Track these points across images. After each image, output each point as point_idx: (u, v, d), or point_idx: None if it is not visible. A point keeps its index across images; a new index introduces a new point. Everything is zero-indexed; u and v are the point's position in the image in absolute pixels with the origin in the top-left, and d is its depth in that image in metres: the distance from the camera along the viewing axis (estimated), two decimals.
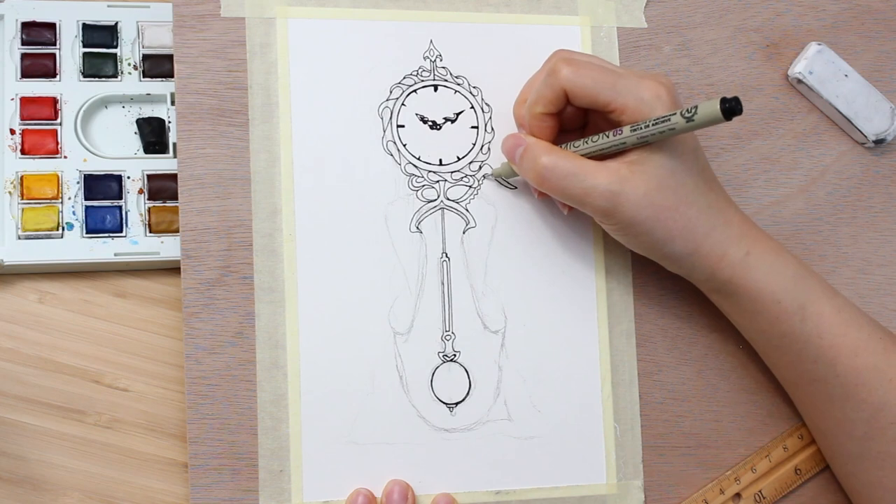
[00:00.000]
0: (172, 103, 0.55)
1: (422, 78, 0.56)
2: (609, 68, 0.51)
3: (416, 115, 0.55)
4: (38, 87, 0.54)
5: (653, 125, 0.49)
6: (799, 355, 0.52)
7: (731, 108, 0.46)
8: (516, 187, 0.56)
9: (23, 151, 0.53)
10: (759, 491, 0.56)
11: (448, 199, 0.55)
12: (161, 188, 0.54)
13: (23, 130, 0.54)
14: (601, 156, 0.51)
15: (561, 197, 0.51)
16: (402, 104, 0.55)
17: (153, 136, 0.55)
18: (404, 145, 0.55)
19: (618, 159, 0.50)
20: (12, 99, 0.54)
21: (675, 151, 0.50)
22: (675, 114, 0.48)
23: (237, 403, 0.51)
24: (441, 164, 0.55)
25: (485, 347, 0.54)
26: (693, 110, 0.47)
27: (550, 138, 0.52)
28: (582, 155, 0.51)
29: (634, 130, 0.49)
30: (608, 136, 0.50)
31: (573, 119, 0.54)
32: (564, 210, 0.55)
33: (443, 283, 0.54)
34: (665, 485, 0.56)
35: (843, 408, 0.52)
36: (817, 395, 0.53)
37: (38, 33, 0.55)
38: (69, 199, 0.53)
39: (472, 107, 0.56)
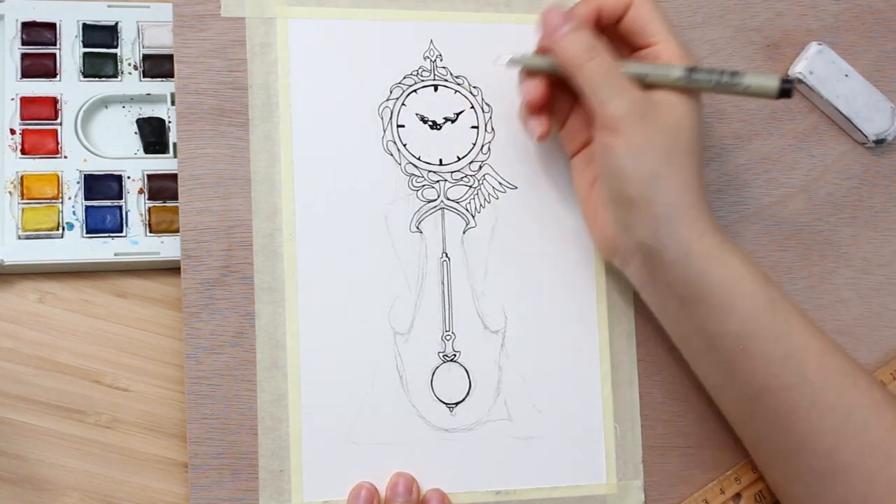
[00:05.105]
0: (172, 103, 0.55)
1: (422, 78, 0.56)
2: None
3: (417, 114, 0.55)
4: (39, 87, 0.54)
5: (718, 73, 0.50)
6: (767, 357, 0.50)
7: (786, 89, 0.49)
8: (517, 187, 0.56)
9: (23, 151, 0.53)
10: (760, 491, 0.56)
11: (448, 199, 0.55)
12: (161, 188, 0.54)
13: (23, 130, 0.54)
14: None
15: (588, 80, 0.49)
16: (403, 104, 0.55)
17: (153, 136, 0.55)
18: (404, 145, 0.55)
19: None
20: (12, 99, 0.54)
21: (690, 126, 0.50)
22: (745, 73, 0.50)
23: (237, 403, 0.51)
24: (441, 163, 0.55)
25: (485, 347, 0.54)
26: (749, 75, 0.50)
27: (540, 104, 0.52)
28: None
29: (692, 71, 0.50)
30: (657, 67, 0.50)
31: (561, 111, 0.54)
32: (535, 135, 0.53)
33: (443, 283, 0.54)
34: (665, 485, 0.56)
35: (808, 417, 0.50)
36: (781, 407, 0.50)
37: (38, 33, 0.55)
38: (69, 199, 0.53)
39: (472, 107, 0.56)
